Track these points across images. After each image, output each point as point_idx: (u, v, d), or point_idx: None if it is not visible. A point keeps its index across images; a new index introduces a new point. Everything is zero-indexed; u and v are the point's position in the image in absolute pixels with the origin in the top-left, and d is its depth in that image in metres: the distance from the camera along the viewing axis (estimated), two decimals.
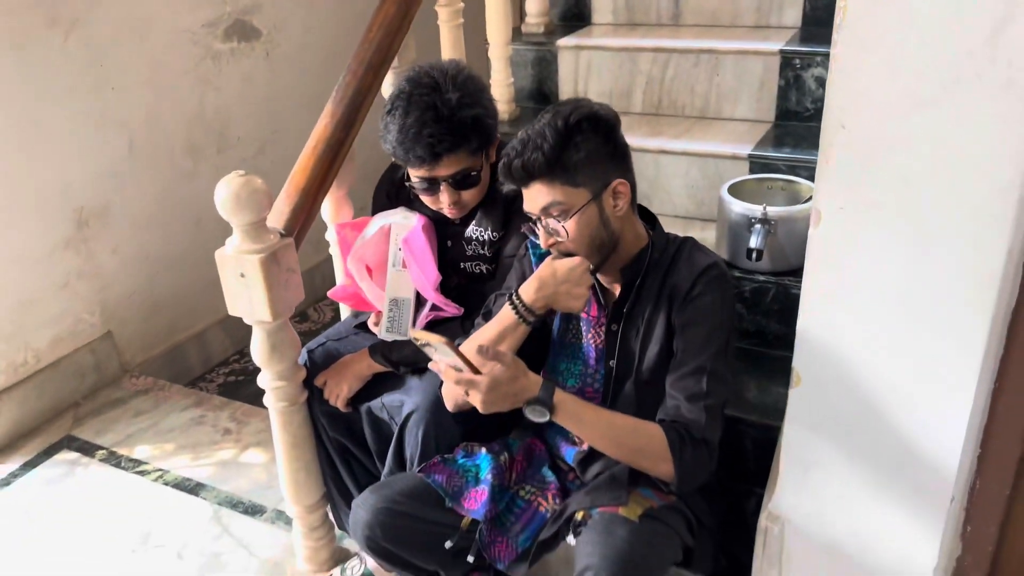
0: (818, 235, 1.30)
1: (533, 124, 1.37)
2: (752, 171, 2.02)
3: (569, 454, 1.56)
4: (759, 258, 1.73)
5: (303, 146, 1.72)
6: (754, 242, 1.73)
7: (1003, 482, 1.38)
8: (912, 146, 1.17)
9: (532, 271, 1.47)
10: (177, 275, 2.88)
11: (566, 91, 2.43)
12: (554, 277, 1.38)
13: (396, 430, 1.64)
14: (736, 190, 1.89)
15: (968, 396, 1.28)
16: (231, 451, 2.37)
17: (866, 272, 1.28)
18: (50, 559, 2.01)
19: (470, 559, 1.49)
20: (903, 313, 1.27)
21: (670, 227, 2.10)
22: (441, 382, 1.56)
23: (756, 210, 1.78)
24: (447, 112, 1.52)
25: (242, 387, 2.85)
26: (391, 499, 1.45)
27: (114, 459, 2.36)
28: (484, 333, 1.46)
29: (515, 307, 1.42)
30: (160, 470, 2.30)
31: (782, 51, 2.12)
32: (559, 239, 1.38)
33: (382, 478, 1.69)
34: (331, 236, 1.91)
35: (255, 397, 2.61)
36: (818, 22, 2.26)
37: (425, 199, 1.66)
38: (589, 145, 1.34)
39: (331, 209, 1.85)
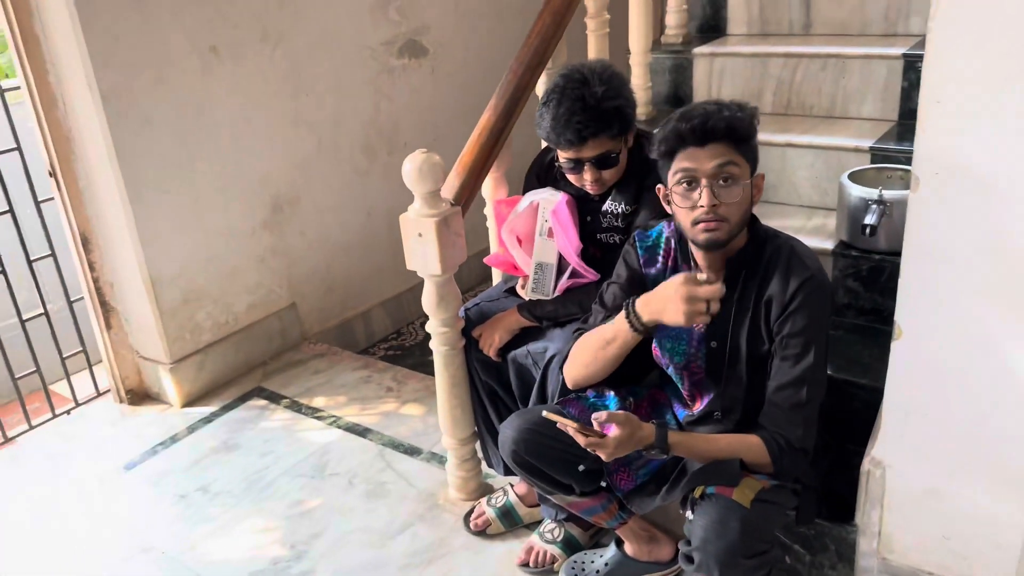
0: (916, 198, 1.48)
1: (695, 106, 1.52)
2: (873, 163, 2.18)
3: (680, 415, 1.77)
4: (872, 233, 1.91)
5: (460, 152, 2.04)
6: (869, 219, 1.90)
7: None
8: (997, 117, 1.35)
9: (638, 263, 1.67)
10: (350, 259, 3.29)
11: (700, 94, 2.66)
12: (681, 300, 1.46)
13: (539, 373, 1.92)
14: (856, 177, 2.07)
15: None
16: (393, 404, 2.72)
17: (959, 231, 1.45)
18: (239, 483, 2.40)
19: (603, 484, 1.73)
20: (994, 268, 1.44)
21: (794, 216, 2.32)
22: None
23: (873, 193, 1.95)
24: (593, 103, 1.77)
25: (399, 360, 3.21)
26: (533, 421, 1.71)
27: (296, 406, 2.76)
28: (601, 335, 1.64)
29: (630, 321, 1.57)
30: (334, 416, 2.68)
31: (905, 55, 2.28)
32: (723, 201, 1.47)
33: None
34: (488, 211, 2.22)
35: (411, 367, 2.98)
36: None
37: (571, 177, 1.94)
38: (755, 133, 1.52)
39: (491, 187, 2.17)
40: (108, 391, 2.90)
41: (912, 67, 2.27)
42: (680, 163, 1.49)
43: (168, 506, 2.33)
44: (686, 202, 1.49)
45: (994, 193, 1.39)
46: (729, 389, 1.63)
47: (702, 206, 1.47)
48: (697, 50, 2.64)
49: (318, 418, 2.69)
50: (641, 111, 2.63)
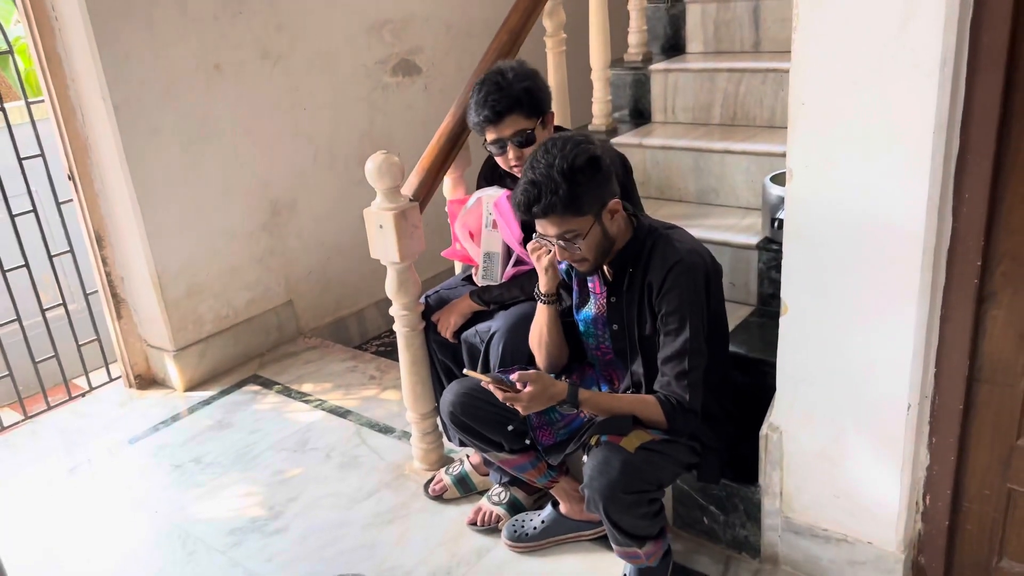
0: (791, 189, 1.70)
1: (536, 163, 1.69)
2: None
3: (604, 388, 1.99)
4: (781, 226, 2.11)
5: None
6: (781, 214, 2.11)
7: (956, 397, 1.70)
8: (852, 116, 1.56)
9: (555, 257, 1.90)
10: (345, 262, 3.55)
11: (657, 107, 2.89)
12: None
13: (483, 347, 2.15)
14: (778, 179, 2.28)
15: (911, 317, 1.63)
16: (374, 391, 2.97)
17: (828, 216, 1.66)
18: (228, 455, 2.66)
19: (527, 442, 1.96)
20: (858, 249, 1.65)
21: (732, 216, 2.53)
22: (520, 311, 2.07)
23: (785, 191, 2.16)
24: (505, 84, 2.01)
25: (389, 355, 3.43)
26: (469, 387, 1.95)
27: (287, 391, 3.02)
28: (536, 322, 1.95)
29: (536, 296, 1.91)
30: (320, 400, 2.93)
31: None
32: (573, 255, 1.74)
33: None
34: (446, 209, 2.47)
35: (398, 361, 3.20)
36: None
37: (500, 161, 2.12)
38: (591, 182, 1.67)
39: (450, 187, 2.42)
40: (119, 377, 3.18)
41: None
42: (536, 226, 1.76)
43: (164, 474, 2.58)
44: (557, 254, 1.78)
45: (852, 182, 1.60)
46: (634, 366, 1.86)
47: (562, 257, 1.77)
48: (653, 66, 2.88)
49: (305, 401, 2.94)
50: (601, 122, 2.88)
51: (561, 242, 1.73)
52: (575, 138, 1.73)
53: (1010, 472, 1.71)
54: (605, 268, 1.85)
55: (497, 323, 2.11)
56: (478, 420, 1.93)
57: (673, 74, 2.83)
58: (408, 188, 2.21)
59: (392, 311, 2.25)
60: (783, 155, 2.43)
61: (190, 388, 3.08)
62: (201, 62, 2.92)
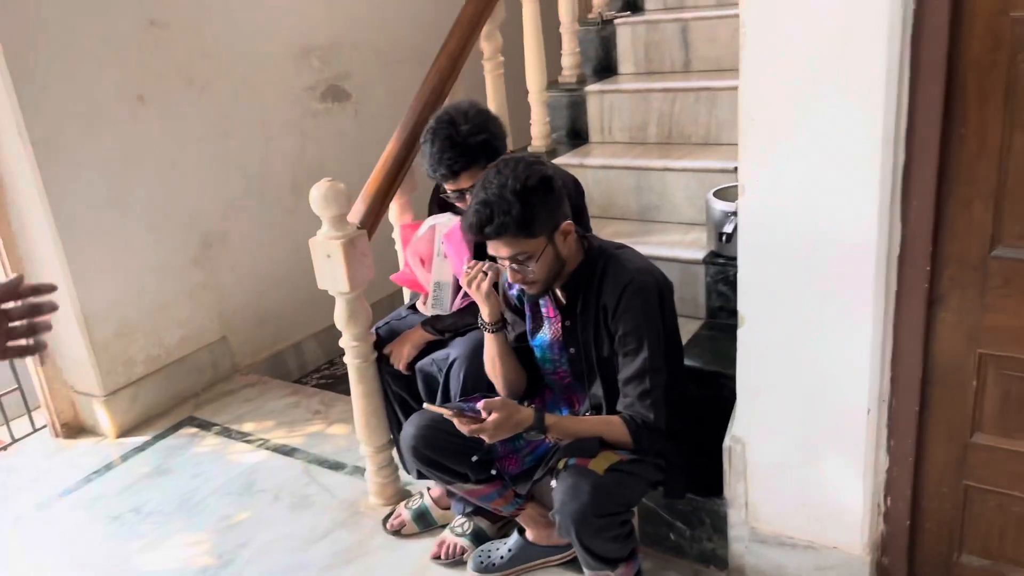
0: (744, 202, 1.73)
1: (488, 183, 1.66)
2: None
3: (564, 412, 1.99)
4: (729, 240, 2.15)
5: None
6: (727, 228, 2.15)
7: (912, 400, 1.75)
8: (801, 129, 1.60)
9: (503, 285, 1.91)
10: (280, 293, 3.46)
11: (594, 127, 2.92)
12: None
13: (443, 376, 2.11)
14: (721, 194, 2.32)
15: (866, 324, 1.66)
16: (320, 426, 2.88)
17: (781, 229, 1.69)
18: (170, 503, 2.53)
19: (493, 472, 1.92)
20: (811, 260, 1.68)
21: (674, 232, 2.56)
22: (478, 337, 2.05)
23: (731, 206, 2.20)
24: (460, 140, 1.95)
25: (331, 388, 3.35)
26: (430, 419, 1.89)
27: (226, 432, 2.90)
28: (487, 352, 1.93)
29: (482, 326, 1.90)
30: (262, 439, 2.83)
31: None
32: (525, 276, 1.72)
33: None
34: (396, 234, 2.43)
35: (343, 394, 3.13)
36: None
37: (458, 204, 2.13)
38: (544, 203, 1.66)
39: (396, 212, 2.38)
40: (44, 427, 3.00)
41: None
42: (488, 247, 1.74)
43: (101, 527, 2.44)
44: (509, 276, 1.76)
45: (803, 195, 1.64)
46: (593, 389, 1.85)
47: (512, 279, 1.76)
48: (589, 88, 2.91)
49: (247, 442, 2.82)
50: (540, 143, 2.88)
51: (514, 264, 1.71)
52: (527, 159, 1.72)
53: (965, 469, 1.76)
54: (558, 291, 1.84)
55: (456, 350, 2.07)
56: (442, 452, 1.88)
57: (609, 95, 2.86)
58: (354, 215, 2.16)
59: (343, 342, 2.19)
60: (722, 171, 2.51)
61: (122, 434, 2.93)
62: (123, 92, 2.81)
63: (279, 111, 3.34)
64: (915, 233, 1.61)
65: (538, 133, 2.87)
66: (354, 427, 2.78)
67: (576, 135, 2.99)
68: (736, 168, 2.45)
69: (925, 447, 1.78)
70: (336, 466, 2.63)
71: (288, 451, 2.74)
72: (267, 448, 2.77)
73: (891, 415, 1.77)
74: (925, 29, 1.48)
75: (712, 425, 2.11)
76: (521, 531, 2.10)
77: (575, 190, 2.15)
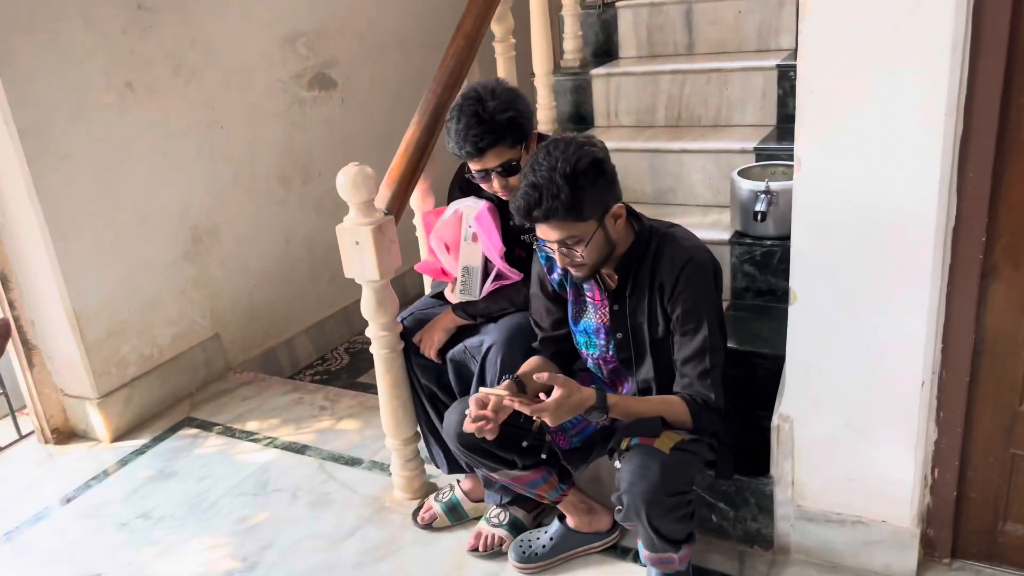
0: (800, 177, 1.71)
1: (538, 165, 1.61)
2: (758, 161, 2.44)
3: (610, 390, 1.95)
4: (763, 219, 2.15)
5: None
6: (760, 207, 2.14)
7: (963, 371, 1.76)
8: (863, 100, 1.59)
9: (542, 270, 1.87)
10: (270, 288, 3.35)
11: (600, 111, 2.89)
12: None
13: (477, 366, 2.05)
14: (744, 174, 2.31)
15: (924, 296, 1.67)
16: (328, 422, 2.79)
17: (837, 203, 1.69)
18: (180, 507, 2.42)
19: (543, 456, 1.88)
20: (869, 233, 1.68)
21: (692, 214, 2.55)
22: (514, 322, 2.00)
23: (760, 185, 2.20)
24: (487, 117, 1.90)
25: (328, 384, 3.26)
26: None
27: (229, 432, 2.79)
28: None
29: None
30: (270, 437, 2.73)
31: (779, 65, 2.57)
32: (575, 260, 1.68)
33: None
34: (417, 221, 2.36)
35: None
36: None
37: (483, 185, 2.08)
38: (594, 186, 1.61)
39: (419, 197, 2.31)
40: (31, 433, 2.84)
41: (785, 76, 2.56)
42: (537, 230, 1.69)
43: (110, 535, 2.32)
44: (558, 260, 1.72)
45: (861, 168, 1.63)
46: (641, 373, 1.82)
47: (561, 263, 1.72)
48: (595, 71, 2.88)
49: (253, 440, 2.72)
50: (547, 128, 2.84)
51: (563, 248, 1.67)
52: (577, 140, 1.67)
53: (1012, 438, 1.78)
54: (605, 274, 1.80)
55: (491, 336, 2.02)
56: (489, 440, 1.83)
57: (615, 78, 2.84)
58: (380, 201, 2.08)
59: (370, 332, 2.11)
60: (739, 151, 2.51)
61: (117, 438, 2.79)
62: (112, 80, 2.67)
63: (267, 100, 3.23)
64: (971, 205, 1.62)
65: (544, 117, 2.82)
66: (365, 422, 2.75)
67: (580, 119, 2.95)
68: (755, 148, 2.49)
69: (973, 417, 1.80)
70: (353, 462, 2.55)
71: (299, 448, 2.65)
72: (276, 446, 2.67)
73: (941, 387, 1.79)
74: (988, 1, 1.48)
75: (749, 405, 2.11)
76: (562, 518, 2.07)
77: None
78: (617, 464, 1.70)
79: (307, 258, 3.49)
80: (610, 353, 1.86)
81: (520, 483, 1.95)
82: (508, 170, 1.98)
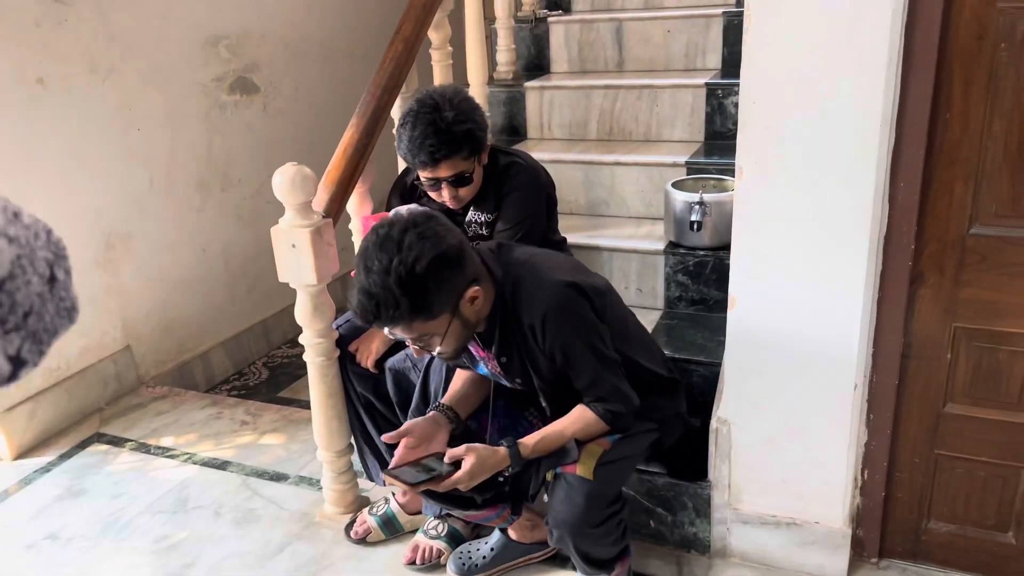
0: (741, 186, 1.76)
1: (369, 262, 1.44)
2: (689, 175, 2.50)
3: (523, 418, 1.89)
4: (699, 228, 2.20)
5: None
6: (695, 216, 2.19)
7: (892, 374, 1.83)
8: (802, 112, 1.65)
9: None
10: (186, 298, 3.21)
11: (533, 124, 2.91)
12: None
13: (418, 376, 2.00)
14: (678, 186, 2.36)
15: (858, 303, 1.73)
16: (250, 437, 2.68)
17: (778, 212, 1.74)
18: (93, 526, 2.27)
19: (505, 488, 1.80)
20: (806, 241, 1.73)
21: (625, 226, 2.58)
22: None
23: (695, 197, 2.25)
24: (444, 127, 1.87)
25: (247, 399, 3.14)
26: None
27: (143, 448, 2.64)
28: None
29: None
30: (188, 453, 2.60)
31: (707, 84, 2.66)
32: (435, 351, 1.58)
33: (408, 415, 2.04)
34: (354, 226, 2.31)
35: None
36: (734, 63, 2.79)
37: (432, 194, 2.07)
38: (440, 283, 1.46)
39: (356, 202, 2.26)
40: None
41: (713, 94, 2.64)
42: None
43: (15, 558, 2.15)
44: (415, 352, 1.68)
45: (801, 176, 1.69)
46: (553, 405, 1.75)
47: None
48: (528, 84, 2.90)
49: (170, 456, 2.59)
50: None
51: (419, 344, 1.57)
52: (414, 230, 1.46)
53: (937, 439, 1.87)
54: (477, 338, 1.69)
55: None
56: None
57: (549, 91, 2.86)
58: (317, 203, 2.03)
59: (303, 339, 2.05)
60: (671, 165, 2.57)
61: (20, 456, 2.61)
62: (22, 75, 2.52)
63: (186, 102, 3.11)
64: (901, 213, 1.70)
65: None
66: (290, 436, 2.66)
67: (513, 131, 2.97)
68: (686, 162, 2.55)
69: (901, 420, 1.88)
70: (278, 477, 2.45)
71: (220, 464, 2.53)
72: (195, 462, 2.55)
73: (871, 390, 1.85)
74: (920, 17, 1.56)
75: (689, 412, 2.14)
76: (503, 529, 2.04)
77: (548, 180, 2.13)
78: (546, 498, 1.70)
79: (225, 268, 3.37)
80: (516, 387, 1.80)
81: (475, 519, 1.92)
82: (460, 181, 1.96)
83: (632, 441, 1.76)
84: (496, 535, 2.03)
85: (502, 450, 1.62)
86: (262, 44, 3.43)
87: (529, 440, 1.66)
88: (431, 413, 1.75)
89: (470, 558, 2.00)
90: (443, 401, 1.79)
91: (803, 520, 1.94)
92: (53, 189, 2.66)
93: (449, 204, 2.04)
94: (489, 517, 1.91)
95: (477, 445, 1.62)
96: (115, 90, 2.83)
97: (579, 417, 1.70)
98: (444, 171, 1.93)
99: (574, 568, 1.97)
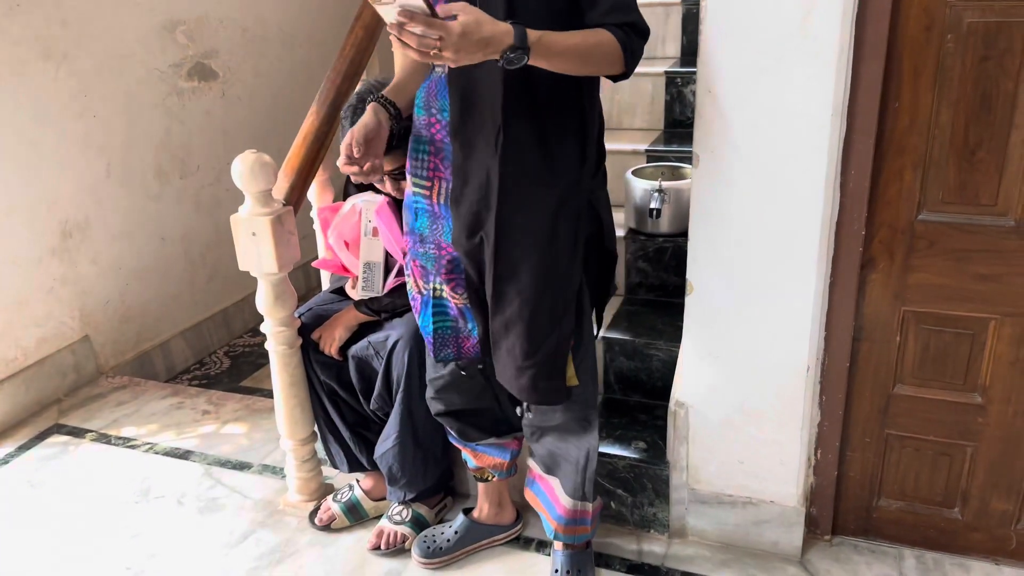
0: (698, 173, 1.79)
1: None
2: (649, 162, 2.53)
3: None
4: (658, 215, 2.23)
5: None
6: (654, 204, 2.22)
7: (843, 356, 1.88)
8: (756, 101, 1.68)
9: None
10: (145, 287, 3.17)
11: None
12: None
13: (381, 362, 2.01)
14: (638, 174, 2.39)
15: (810, 287, 1.78)
16: (213, 426, 2.67)
17: (733, 198, 1.77)
18: (52, 519, 2.25)
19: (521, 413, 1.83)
20: (760, 226, 1.77)
21: None
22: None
23: (654, 184, 2.28)
24: None
25: (208, 388, 3.13)
26: (452, 373, 1.84)
27: (104, 439, 2.62)
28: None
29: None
30: (149, 443, 2.58)
31: (666, 72, 2.68)
32: None
33: (372, 402, 2.05)
34: (315, 215, 2.30)
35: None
36: (693, 52, 2.83)
37: (377, 186, 2.05)
38: None
39: (317, 190, 2.25)
40: None
41: (672, 83, 2.67)
42: None
43: None
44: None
45: (756, 164, 1.73)
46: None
47: None
48: None
49: (131, 447, 2.57)
50: None
51: None
52: None
53: (887, 419, 1.93)
54: None
55: (397, 331, 1.99)
56: (470, 398, 1.86)
57: None
58: (278, 191, 2.02)
59: (265, 328, 2.04)
60: (631, 153, 2.59)
61: None
62: None
63: (144, 88, 3.07)
64: (852, 200, 1.75)
65: None
66: (252, 425, 2.65)
67: None
68: (646, 150, 2.58)
69: (852, 400, 1.94)
70: (241, 466, 2.45)
71: (182, 454, 2.52)
72: (156, 452, 2.53)
73: (823, 372, 1.91)
74: (871, 8, 1.60)
75: (641, 394, 2.19)
76: (467, 512, 2.06)
77: None
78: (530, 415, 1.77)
79: (184, 257, 3.33)
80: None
81: (485, 454, 1.97)
82: (401, 175, 1.95)
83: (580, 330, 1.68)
84: (460, 518, 2.06)
85: (504, 24, 1.28)
86: (220, 29, 3.38)
87: (535, 31, 1.32)
88: (370, 106, 1.61)
89: (434, 541, 2.02)
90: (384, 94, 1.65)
91: (759, 499, 1.99)
92: (8, 177, 2.61)
93: (393, 195, 2.02)
94: (501, 451, 1.95)
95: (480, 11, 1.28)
96: (70, 76, 2.78)
97: (597, 37, 1.40)
98: (387, 164, 1.91)
99: (538, 548, 2.02)
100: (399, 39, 1.24)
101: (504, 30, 1.28)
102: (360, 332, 2.09)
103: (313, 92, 2.21)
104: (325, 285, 2.38)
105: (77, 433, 2.65)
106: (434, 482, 2.12)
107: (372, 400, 2.07)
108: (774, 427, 1.93)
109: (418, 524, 2.09)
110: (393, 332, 2.00)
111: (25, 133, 2.65)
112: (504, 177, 1.48)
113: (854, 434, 1.96)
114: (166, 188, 3.23)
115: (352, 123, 1.84)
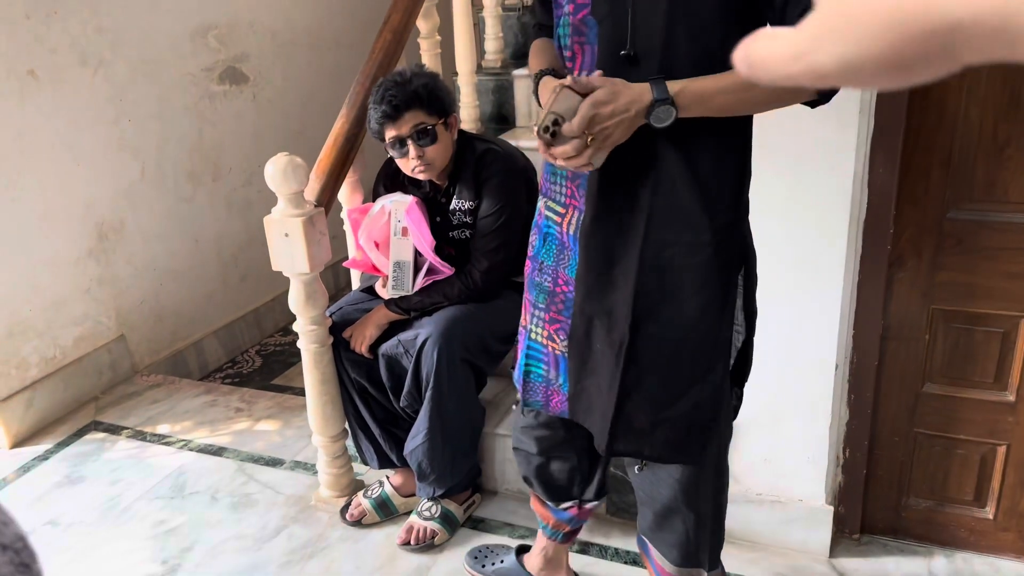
0: None
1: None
2: None
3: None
4: None
5: None
6: None
7: (872, 355, 1.88)
8: None
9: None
10: (179, 287, 3.24)
11: (521, 111, 2.94)
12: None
13: (411, 360, 2.04)
14: None
15: (838, 285, 1.78)
16: (245, 423, 2.72)
17: (761, 197, 1.76)
18: (91, 512, 2.31)
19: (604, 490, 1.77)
20: (788, 225, 1.77)
21: None
22: (449, 315, 2.00)
23: None
24: (403, 81, 1.95)
25: (241, 387, 3.18)
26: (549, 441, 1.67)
27: (140, 436, 2.68)
28: None
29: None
30: (184, 440, 2.63)
31: None
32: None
33: (401, 400, 2.08)
34: (345, 215, 2.34)
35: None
36: None
37: (400, 164, 2.03)
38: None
39: (347, 192, 2.29)
40: None
41: None
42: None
43: None
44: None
45: (784, 162, 1.73)
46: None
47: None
48: (516, 72, 2.92)
49: (166, 444, 2.62)
50: (471, 127, 2.86)
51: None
52: None
53: (916, 417, 1.92)
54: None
55: (426, 329, 2.02)
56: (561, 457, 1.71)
57: None
58: (309, 193, 2.06)
59: (297, 327, 2.08)
60: None
61: (17, 444, 2.64)
62: (13, 67, 2.53)
63: (176, 92, 3.13)
64: (879, 199, 1.75)
65: (468, 116, 2.84)
66: (284, 422, 2.70)
67: (502, 119, 2.99)
68: None
69: (880, 399, 1.93)
70: (273, 462, 2.49)
71: (216, 451, 2.57)
72: (191, 449, 2.58)
73: (852, 370, 1.91)
74: None
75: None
76: (519, 552, 1.97)
77: (525, 164, 2.16)
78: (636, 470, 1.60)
79: (217, 258, 3.39)
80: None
81: (555, 517, 1.81)
82: (424, 137, 1.96)
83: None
84: (512, 558, 1.96)
85: (639, 84, 1.18)
86: (250, 33, 3.44)
87: (678, 82, 1.18)
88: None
89: (483, 565, 1.96)
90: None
91: (787, 498, 2.00)
92: (46, 181, 2.68)
93: (420, 174, 2.02)
94: (572, 519, 1.80)
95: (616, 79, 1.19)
96: (106, 81, 2.84)
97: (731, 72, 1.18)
98: (406, 125, 1.94)
99: None
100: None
101: (641, 88, 1.17)
102: (390, 330, 2.12)
103: (342, 95, 2.24)
104: (355, 285, 2.41)
105: (113, 430, 2.71)
106: (463, 478, 2.15)
107: (402, 397, 2.10)
108: (802, 426, 1.93)
109: (447, 520, 2.11)
110: (423, 330, 2.03)
111: (61, 138, 2.72)
112: (652, 211, 1.29)
113: (883, 433, 1.96)
114: (199, 190, 3.29)
115: (371, 108, 1.96)
